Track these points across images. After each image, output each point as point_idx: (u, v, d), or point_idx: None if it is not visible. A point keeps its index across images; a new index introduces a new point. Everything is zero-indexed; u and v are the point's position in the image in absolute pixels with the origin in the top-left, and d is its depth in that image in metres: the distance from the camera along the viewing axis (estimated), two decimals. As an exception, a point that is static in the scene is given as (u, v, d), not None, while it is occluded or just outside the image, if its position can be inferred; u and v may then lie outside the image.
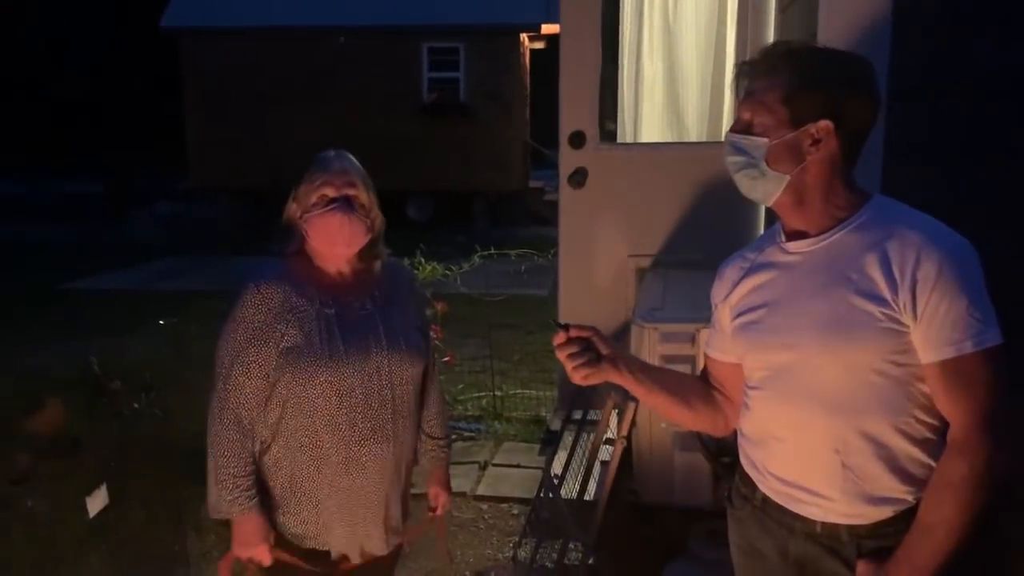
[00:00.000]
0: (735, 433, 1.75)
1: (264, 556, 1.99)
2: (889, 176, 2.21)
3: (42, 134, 20.91)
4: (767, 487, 1.63)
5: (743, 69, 1.60)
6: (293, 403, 1.97)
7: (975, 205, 2.24)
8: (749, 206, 3.42)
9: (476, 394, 5.49)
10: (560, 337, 1.64)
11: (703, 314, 1.76)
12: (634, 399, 2.37)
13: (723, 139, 1.62)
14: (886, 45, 2.26)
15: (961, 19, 2.35)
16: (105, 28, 22.82)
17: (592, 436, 3.07)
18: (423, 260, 5.19)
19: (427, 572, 3.37)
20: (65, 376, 4.53)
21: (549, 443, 3.46)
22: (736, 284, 1.67)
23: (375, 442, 2.00)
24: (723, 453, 2.19)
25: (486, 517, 3.96)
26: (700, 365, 1.85)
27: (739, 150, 1.56)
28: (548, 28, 13.40)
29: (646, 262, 3.59)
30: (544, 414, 5.03)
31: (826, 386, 1.50)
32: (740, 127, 1.57)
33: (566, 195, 3.66)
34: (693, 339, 2.61)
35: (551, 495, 3.10)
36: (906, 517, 1.48)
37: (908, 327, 1.44)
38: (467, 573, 3.46)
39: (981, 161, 2.32)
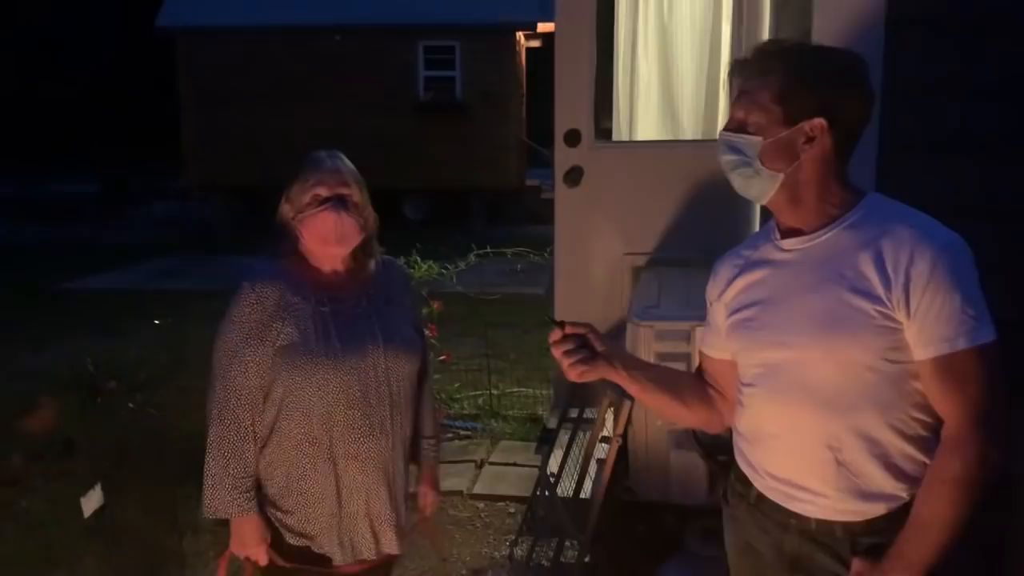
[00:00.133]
0: (730, 431, 1.75)
1: (261, 556, 1.99)
2: (884, 173, 2.21)
3: (37, 134, 20.86)
4: (762, 484, 1.64)
5: (736, 68, 1.60)
6: (290, 401, 1.97)
7: (972, 202, 2.24)
8: (744, 204, 3.42)
9: (472, 393, 5.49)
10: (556, 334, 1.64)
11: (698, 312, 1.76)
12: (630, 397, 2.37)
13: (717, 138, 1.61)
14: (880, 42, 2.26)
15: (957, 18, 2.36)
16: (100, 27, 22.78)
17: (588, 434, 3.07)
18: (419, 259, 5.19)
19: (422, 572, 3.37)
20: (60, 376, 4.52)
21: (545, 441, 3.46)
22: (731, 282, 1.68)
23: (374, 438, 2.01)
24: (719, 451, 2.19)
25: (482, 516, 3.96)
26: (696, 363, 1.85)
27: (733, 149, 1.56)
28: (544, 27, 13.38)
29: (642, 260, 3.59)
30: (541, 412, 5.03)
31: (820, 383, 1.51)
32: (734, 126, 1.57)
33: (561, 193, 3.66)
34: (688, 337, 2.61)
35: (547, 493, 3.10)
36: (900, 514, 1.49)
37: (902, 324, 1.44)
38: (464, 572, 3.46)
39: (974, 158, 2.33)
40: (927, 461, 1.48)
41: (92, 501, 2.64)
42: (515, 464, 4.45)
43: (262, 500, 2.01)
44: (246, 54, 14.17)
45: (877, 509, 1.51)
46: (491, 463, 4.52)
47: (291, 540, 2.03)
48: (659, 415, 2.50)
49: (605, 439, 2.92)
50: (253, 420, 1.98)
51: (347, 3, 14.20)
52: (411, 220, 13.94)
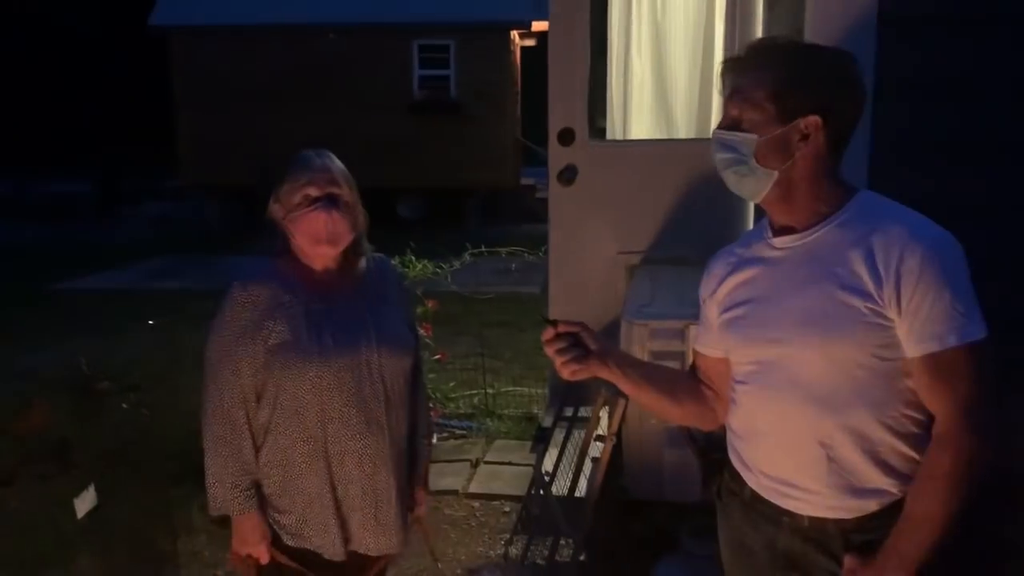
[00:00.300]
0: (724, 428, 1.76)
1: (262, 555, 2.00)
2: (876, 172, 2.22)
3: (30, 133, 20.79)
4: (754, 482, 1.64)
5: (728, 66, 1.60)
6: (284, 400, 1.97)
7: (965, 202, 2.25)
8: (738, 202, 3.42)
9: (468, 392, 5.49)
10: (549, 333, 1.65)
11: (692, 310, 1.77)
12: (624, 395, 2.37)
13: (711, 136, 1.61)
14: (872, 40, 2.27)
15: (949, 16, 2.36)
16: (93, 26, 22.71)
17: (583, 433, 3.08)
18: (414, 258, 5.18)
19: (418, 570, 3.37)
20: (54, 377, 4.50)
21: (540, 440, 3.46)
22: (723, 280, 1.68)
23: (370, 435, 2.01)
24: (713, 448, 2.19)
25: (478, 515, 3.97)
26: (689, 361, 1.85)
27: (727, 147, 1.56)
28: (539, 25, 13.37)
29: (636, 259, 3.59)
30: (536, 411, 5.03)
31: (811, 380, 1.51)
32: (728, 123, 1.57)
33: (555, 192, 3.66)
34: (682, 335, 2.61)
35: (542, 492, 3.11)
36: (892, 510, 1.49)
37: (892, 321, 1.45)
38: (459, 571, 3.46)
39: (966, 157, 2.33)
40: (919, 458, 1.48)
41: (86, 502, 2.64)
42: (510, 463, 4.46)
43: (260, 499, 2.01)
44: (240, 53, 14.15)
45: (869, 506, 1.52)
46: (486, 462, 4.53)
47: (288, 540, 2.03)
48: (652, 413, 2.50)
49: (600, 437, 2.92)
50: (248, 419, 1.98)
51: (341, 2, 14.19)
52: (406, 219, 13.92)
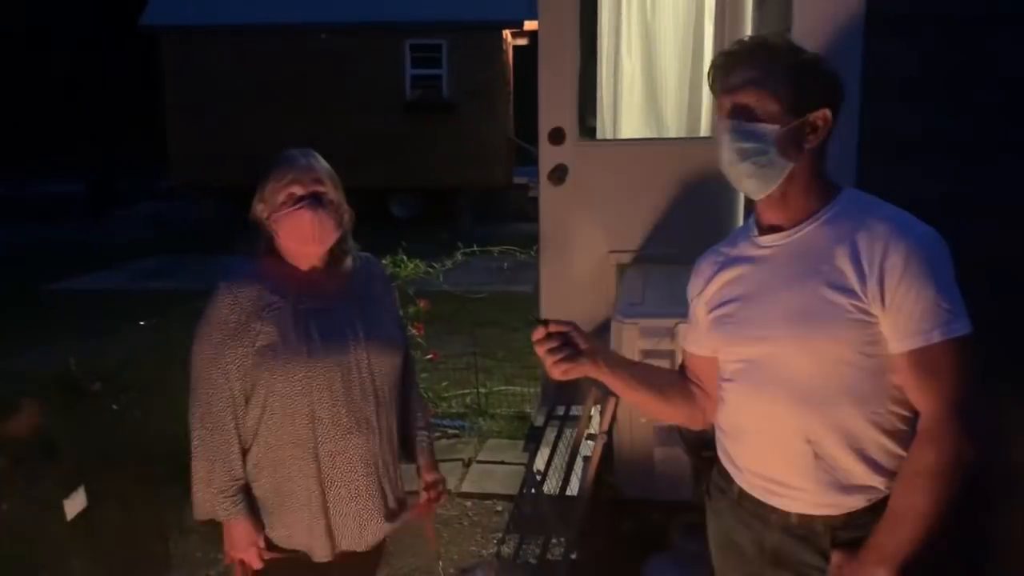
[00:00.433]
0: (714, 427, 1.76)
1: (253, 559, 1.99)
2: (862, 171, 2.23)
3: (22, 134, 20.71)
4: (743, 480, 1.65)
5: (737, 57, 1.56)
6: (273, 401, 1.96)
7: (950, 200, 2.26)
8: (728, 201, 3.43)
9: (460, 391, 5.49)
10: (539, 332, 1.65)
11: (682, 309, 1.77)
12: (615, 394, 2.38)
13: (722, 126, 1.54)
14: (859, 40, 2.28)
15: (936, 16, 2.37)
16: (84, 26, 22.63)
17: (575, 431, 3.08)
18: (406, 258, 5.18)
19: (411, 570, 3.37)
20: (45, 378, 4.49)
21: (532, 439, 3.46)
22: (711, 279, 1.69)
23: (360, 435, 2.00)
24: (703, 447, 2.20)
25: (470, 514, 3.97)
26: (680, 360, 1.86)
27: (749, 136, 1.51)
28: (531, 25, 13.37)
29: (627, 258, 3.59)
30: (529, 410, 5.03)
31: (798, 378, 1.52)
32: (740, 113, 1.52)
33: (546, 192, 3.66)
34: (672, 334, 2.62)
35: (533, 492, 3.11)
36: (880, 507, 1.50)
37: (877, 317, 1.46)
38: (451, 570, 3.46)
39: (952, 155, 2.34)
40: (905, 454, 1.49)
41: (75, 503, 2.64)
42: (503, 462, 4.47)
43: (250, 503, 2.00)
44: (231, 53, 14.12)
45: (857, 502, 1.52)
46: (479, 461, 4.53)
47: (278, 541, 2.02)
48: (643, 412, 2.51)
49: (591, 436, 2.93)
50: (236, 422, 1.97)
51: (333, 2, 14.16)
52: (399, 218, 13.91)
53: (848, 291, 1.46)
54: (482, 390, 5.43)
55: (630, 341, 2.67)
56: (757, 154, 1.51)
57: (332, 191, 2.01)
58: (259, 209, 2.02)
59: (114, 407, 3.45)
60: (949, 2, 2.40)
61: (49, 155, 20.14)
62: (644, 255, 3.55)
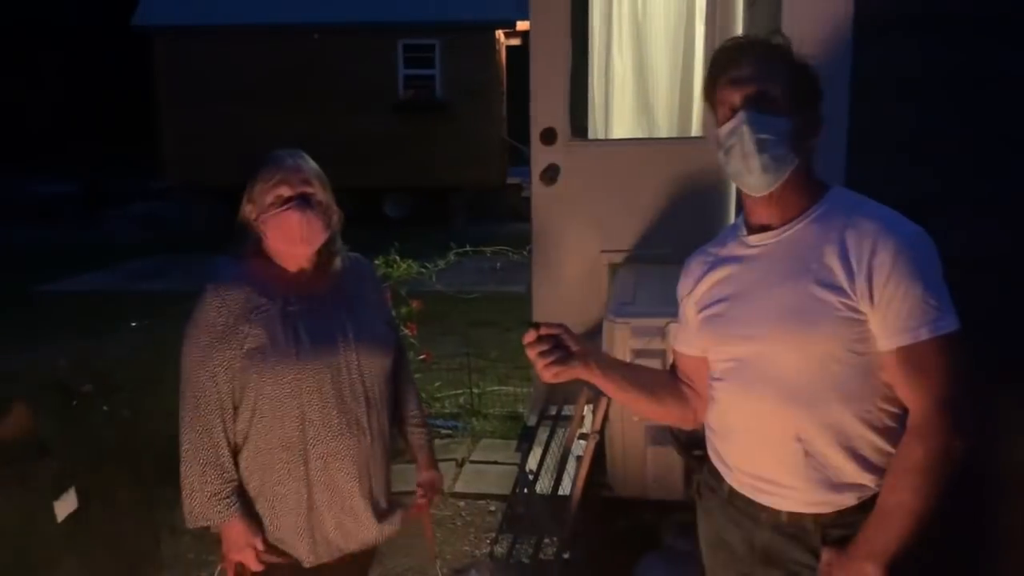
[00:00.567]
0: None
1: (250, 559, 1.97)
2: (851, 172, 2.24)
3: (15, 134, 20.63)
4: (733, 479, 1.65)
5: (741, 51, 1.56)
6: (263, 404, 1.95)
7: (938, 201, 2.27)
8: (720, 200, 3.44)
9: (454, 392, 5.49)
10: (530, 335, 1.65)
11: (674, 309, 1.78)
12: (606, 394, 2.38)
13: (736, 119, 1.51)
14: (848, 42, 2.29)
15: (926, 17, 2.38)
16: (76, 26, 22.55)
17: (567, 431, 3.09)
18: (398, 258, 5.18)
19: (404, 569, 3.37)
20: (36, 379, 4.47)
21: (525, 439, 3.46)
22: (700, 278, 1.69)
23: (351, 436, 2.00)
24: (695, 446, 2.20)
25: (463, 514, 3.97)
26: (671, 359, 1.86)
27: (766, 127, 1.50)
28: (523, 25, 13.35)
29: (618, 258, 3.60)
30: (521, 410, 5.03)
31: (787, 376, 1.52)
32: (758, 104, 1.50)
33: (538, 192, 3.67)
34: (664, 333, 2.62)
35: (526, 491, 3.11)
36: (869, 505, 1.50)
37: (866, 315, 1.46)
38: (445, 570, 3.46)
39: (939, 157, 2.35)
40: (894, 452, 1.50)
41: (66, 505, 2.63)
42: (496, 462, 4.46)
43: (245, 504, 1.98)
44: (224, 53, 14.09)
45: (847, 500, 1.53)
46: (472, 461, 4.53)
47: (271, 544, 2.01)
48: (634, 412, 2.52)
49: (583, 436, 2.93)
50: (225, 425, 1.95)
51: (326, 2, 14.15)
52: (392, 219, 13.90)
53: (837, 289, 1.47)
54: (475, 390, 5.43)
55: (621, 340, 2.68)
56: (774, 146, 1.50)
57: (320, 192, 2.00)
58: (247, 210, 2.01)
59: (104, 408, 3.44)
60: (939, 3, 2.41)
61: (42, 156, 20.08)
62: (636, 255, 3.56)
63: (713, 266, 1.67)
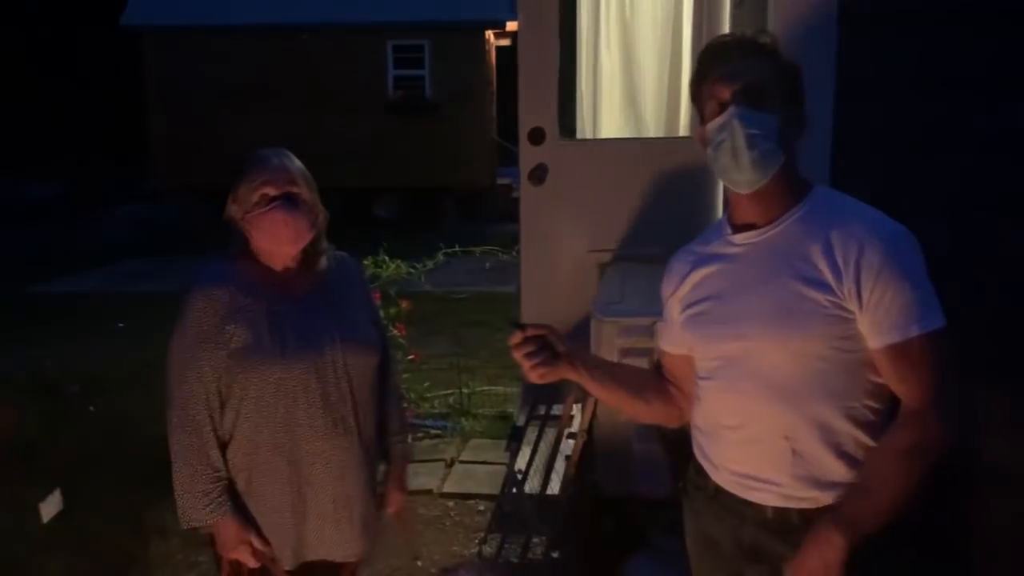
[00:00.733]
0: (691, 425, 1.77)
1: (247, 558, 1.96)
2: (836, 170, 2.25)
3: (1, 136, 20.50)
4: (719, 477, 1.65)
5: (730, 48, 1.56)
6: (249, 404, 1.94)
7: (926, 198, 2.28)
8: (707, 199, 3.45)
9: (443, 392, 5.48)
10: (516, 336, 1.66)
11: (661, 307, 1.78)
12: (593, 394, 2.38)
13: (726, 114, 1.51)
14: (834, 40, 2.30)
15: (911, 14, 2.39)
16: (64, 26, 22.43)
17: (556, 430, 3.09)
18: (387, 258, 5.17)
19: (391, 570, 3.37)
20: (23, 381, 4.45)
21: (514, 439, 3.46)
22: (684, 277, 1.69)
23: (337, 436, 1.99)
24: (682, 444, 2.21)
25: (452, 514, 3.97)
26: (656, 358, 1.87)
27: (757, 122, 1.50)
28: (513, 25, 13.20)
29: (607, 257, 3.61)
30: (511, 410, 5.03)
31: (774, 374, 1.52)
32: (748, 100, 1.50)
33: (526, 192, 3.67)
34: (652, 332, 2.62)
35: (515, 491, 3.11)
36: None
37: (853, 314, 1.47)
38: (433, 570, 3.46)
39: (926, 155, 2.37)
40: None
41: (51, 506, 2.62)
42: (485, 462, 4.46)
43: (238, 503, 1.97)
44: (213, 53, 14.05)
45: (831, 498, 1.53)
46: (461, 461, 4.53)
47: (255, 545, 2.01)
48: (621, 412, 2.52)
49: (572, 435, 2.93)
50: (213, 424, 1.95)
51: (315, 2, 14.12)
52: (381, 219, 13.88)
53: (824, 286, 1.48)
54: (464, 390, 5.43)
55: (609, 339, 2.69)
56: (763, 141, 1.50)
57: (306, 191, 1.99)
58: (233, 210, 2.00)
59: (91, 409, 3.43)
60: (927, 0, 2.42)
61: (30, 157, 19.95)
62: (624, 254, 3.57)
63: (697, 265, 1.67)
